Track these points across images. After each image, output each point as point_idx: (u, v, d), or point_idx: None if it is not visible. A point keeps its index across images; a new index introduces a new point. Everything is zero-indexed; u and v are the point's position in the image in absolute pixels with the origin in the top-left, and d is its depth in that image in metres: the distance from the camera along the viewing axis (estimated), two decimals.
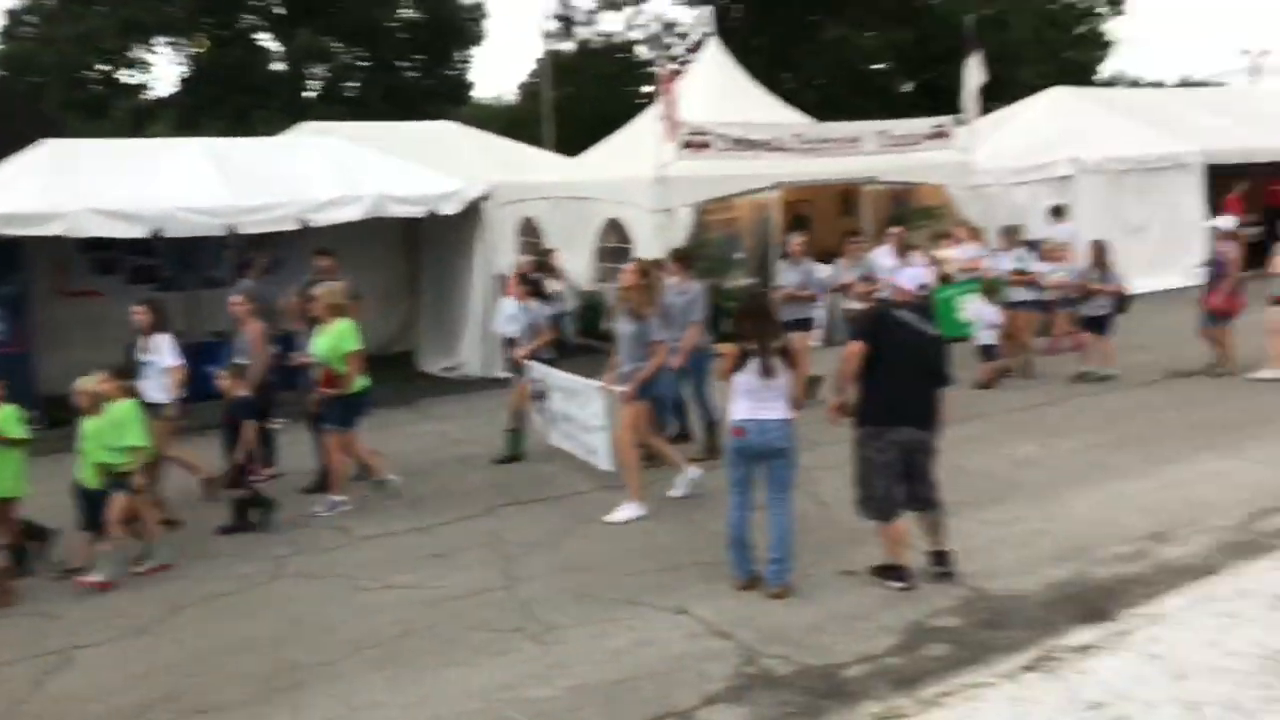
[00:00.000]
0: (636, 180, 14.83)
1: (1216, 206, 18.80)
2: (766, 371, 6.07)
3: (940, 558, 6.24)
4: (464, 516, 8.06)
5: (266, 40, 39.33)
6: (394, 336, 14.99)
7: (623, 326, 8.09)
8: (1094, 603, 5.79)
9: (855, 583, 6.26)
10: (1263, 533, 6.65)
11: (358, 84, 38.67)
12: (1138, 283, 14.10)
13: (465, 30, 38.53)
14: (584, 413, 8.66)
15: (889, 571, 6.19)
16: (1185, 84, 45.50)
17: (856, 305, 10.87)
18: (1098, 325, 11.46)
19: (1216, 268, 11.24)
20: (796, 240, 11.21)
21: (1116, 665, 4.81)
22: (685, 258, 9.47)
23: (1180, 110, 21.06)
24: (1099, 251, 11.59)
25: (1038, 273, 11.89)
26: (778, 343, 6.19)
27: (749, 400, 6.13)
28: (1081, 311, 11.72)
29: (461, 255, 13.41)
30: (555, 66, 37.32)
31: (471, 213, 13.06)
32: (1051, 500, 7.54)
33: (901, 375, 6.04)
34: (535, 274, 13.26)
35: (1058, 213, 15.17)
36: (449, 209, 12.84)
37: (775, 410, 6.12)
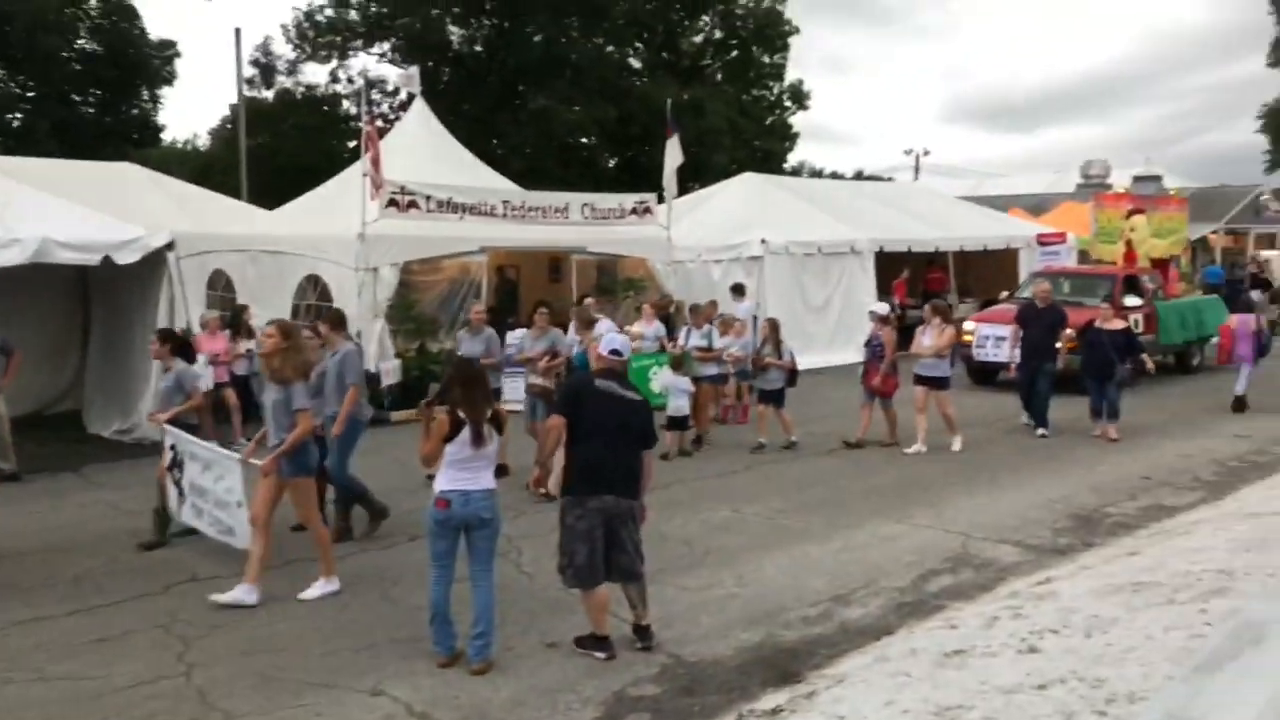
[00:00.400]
0: (339, 237, 14.35)
1: (886, 289, 20.76)
2: (478, 440, 5.94)
3: (641, 632, 6.27)
4: (135, 596, 7.28)
5: None
6: (62, 394, 13.56)
7: (267, 394, 7.41)
8: (783, 665, 6.03)
9: (558, 654, 6.19)
10: (930, 593, 7.22)
11: (20, 115, 35.08)
12: (819, 358, 15.25)
13: (152, 68, 36.01)
14: (218, 486, 7.75)
15: (591, 642, 6.16)
16: (859, 177, 50.26)
17: (538, 380, 10.63)
18: (774, 398, 12.10)
19: (874, 349, 12.02)
20: (476, 308, 11.09)
21: None
22: (336, 319, 8.90)
23: (855, 201, 23.22)
24: (773, 329, 12.34)
25: (719, 348, 12.63)
26: (489, 410, 6.09)
27: (456, 470, 5.96)
28: (757, 385, 12.42)
29: (140, 308, 12.36)
30: (253, 114, 35.65)
31: (154, 263, 12.08)
32: (744, 564, 7.85)
33: (602, 443, 6.02)
34: (222, 329, 12.48)
35: (738, 291, 16.13)
36: (127, 258, 11.80)
37: (482, 481, 6.01)
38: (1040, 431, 12.52)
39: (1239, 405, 14.21)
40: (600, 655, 6.09)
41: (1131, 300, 16.48)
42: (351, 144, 36.09)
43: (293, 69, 40.57)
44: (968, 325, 17.08)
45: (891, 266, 21.32)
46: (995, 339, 15.72)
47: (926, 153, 52.65)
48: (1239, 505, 9.27)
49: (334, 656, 6.20)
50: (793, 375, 12.17)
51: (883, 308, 12.62)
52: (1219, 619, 5.63)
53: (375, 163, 13.80)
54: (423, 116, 19.07)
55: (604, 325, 12.28)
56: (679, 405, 11.66)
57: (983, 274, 23.15)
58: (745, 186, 22.43)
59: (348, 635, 6.52)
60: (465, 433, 5.94)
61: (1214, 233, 33.53)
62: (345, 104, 40.86)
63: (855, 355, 16.66)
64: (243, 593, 7.00)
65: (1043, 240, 23.41)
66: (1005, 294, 18.87)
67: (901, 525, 8.90)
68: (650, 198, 17.60)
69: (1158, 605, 6.16)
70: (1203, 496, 9.83)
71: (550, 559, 7.84)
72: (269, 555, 7.20)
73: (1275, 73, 57.72)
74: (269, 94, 40.12)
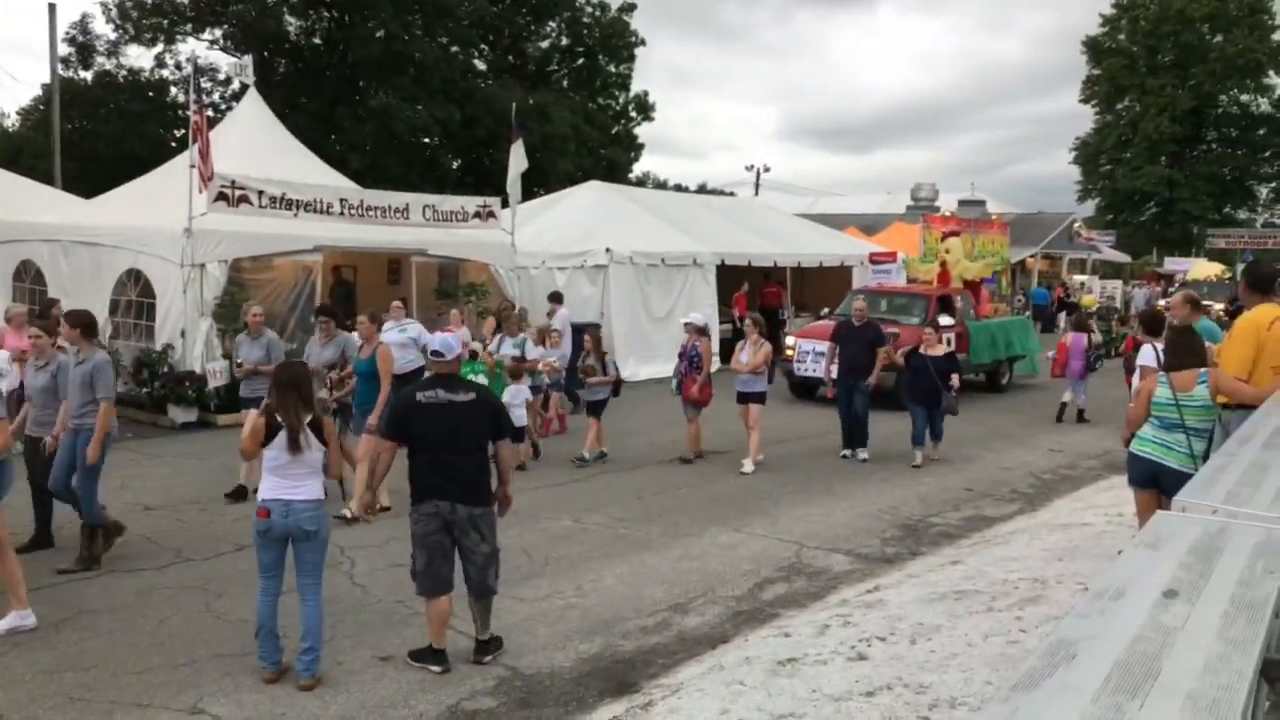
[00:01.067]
0: (163, 230, 13.63)
1: (726, 301, 21.16)
2: (293, 446, 5.69)
3: (481, 647, 6.14)
4: None
5: None
6: None
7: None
8: (620, 675, 6.02)
9: (392, 668, 6.00)
10: (765, 601, 7.35)
11: None
12: (662, 367, 15.33)
13: None
14: None
15: (427, 655, 6.00)
16: (703, 190, 51.20)
17: (323, 394, 9.37)
18: (595, 409, 11.93)
19: (691, 360, 11.86)
20: (254, 311, 10.12)
21: None
22: (87, 322, 7.89)
23: (698, 214, 23.60)
24: (595, 342, 12.23)
25: (534, 359, 12.28)
26: (308, 415, 5.82)
27: (276, 478, 5.72)
28: (584, 396, 12.26)
29: None
30: (69, 96, 33.51)
31: None
32: (583, 574, 7.81)
33: (431, 455, 5.89)
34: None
35: (555, 299, 16.04)
36: None
37: (305, 490, 5.75)
38: (862, 456, 12.34)
39: (1062, 414, 15.64)
40: (435, 669, 5.93)
41: (945, 320, 16.88)
42: (179, 133, 34.47)
43: (114, 50, 38.35)
44: (789, 341, 17.37)
45: (732, 279, 21.75)
46: (815, 354, 15.99)
47: (767, 169, 54.19)
48: (1052, 516, 9.82)
49: (150, 674, 5.84)
50: (616, 387, 12.10)
51: (699, 318, 12.43)
52: (1034, 626, 5.93)
53: (204, 154, 13.16)
54: (256, 108, 18.31)
55: (415, 328, 12.04)
56: (518, 416, 11.34)
57: (819, 289, 23.87)
58: (590, 195, 22.50)
59: (165, 651, 6.15)
60: (281, 437, 5.69)
61: (1032, 256, 35.70)
62: (174, 91, 38.96)
63: None
64: (15, 619, 6.37)
65: (875, 259, 24.34)
66: (826, 310, 19.32)
67: (739, 534, 9.04)
68: (494, 202, 17.43)
69: (978, 613, 6.44)
70: (1020, 507, 10.36)
71: (385, 570, 7.68)
72: (17, 573, 6.48)
73: (1086, 109, 62.09)
74: (87, 75, 37.85)
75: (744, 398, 11.74)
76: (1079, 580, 6.88)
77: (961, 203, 36.01)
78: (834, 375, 12.80)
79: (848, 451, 12.47)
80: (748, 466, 11.53)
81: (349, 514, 8.92)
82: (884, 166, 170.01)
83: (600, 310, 18.37)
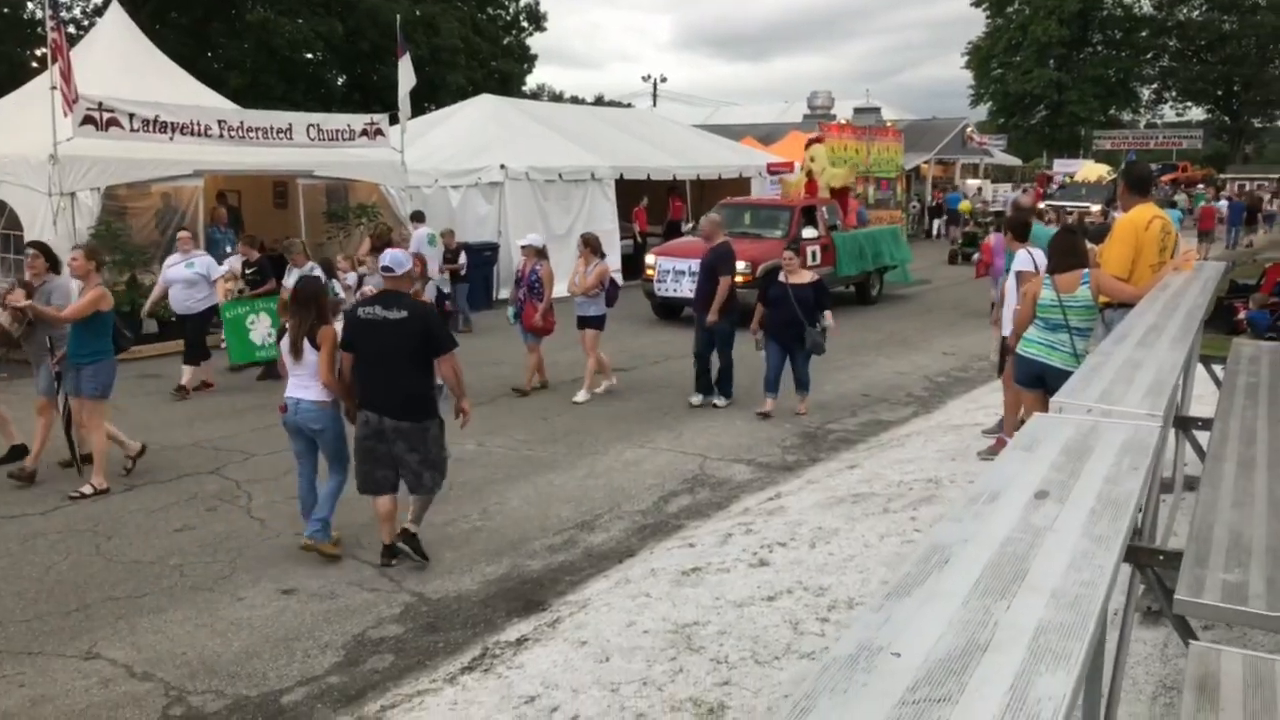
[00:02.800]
0: (26, 157, 12.90)
1: (626, 216, 21.01)
2: (294, 350, 6.35)
3: (404, 534, 6.44)
4: None
5: None
6: None
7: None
8: (528, 595, 6.06)
9: (295, 600, 5.94)
10: (670, 514, 7.45)
11: None
12: (561, 286, 15.10)
13: None
14: None
15: (384, 552, 6.47)
16: (599, 102, 50.44)
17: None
18: None
19: (532, 286, 10.99)
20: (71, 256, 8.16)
21: (548, 655, 5.03)
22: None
23: (595, 127, 23.21)
24: (422, 265, 11.40)
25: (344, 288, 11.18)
26: (307, 325, 6.35)
27: (292, 378, 6.48)
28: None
29: None
30: None
31: None
32: (489, 497, 7.80)
33: (365, 368, 6.26)
34: None
35: (417, 218, 15.59)
36: None
37: (309, 392, 6.38)
38: (720, 403, 10.64)
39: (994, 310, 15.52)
40: (393, 563, 6.40)
41: (809, 233, 16.39)
42: (40, 52, 32.44)
43: None
44: (648, 259, 16.60)
45: (633, 194, 21.58)
46: (675, 273, 15.49)
47: (664, 79, 54.14)
48: (946, 417, 10.12)
49: (40, 621, 5.67)
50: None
51: (536, 239, 11.32)
52: (927, 525, 6.12)
53: (65, 74, 12.41)
54: (121, 24, 17.27)
55: (202, 261, 11.32)
56: None
57: (718, 202, 23.89)
58: (482, 109, 21.96)
59: (54, 598, 5.97)
60: (285, 341, 6.47)
61: (926, 163, 36.17)
62: (30, 6, 36.59)
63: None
64: None
65: (772, 169, 24.41)
66: (690, 225, 18.74)
67: (644, 450, 9.11)
68: (382, 119, 16.88)
69: (874, 515, 6.63)
70: (915, 411, 10.65)
71: (283, 503, 7.55)
72: None
73: (978, 12, 62.69)
74: None
75: (581, 322, 10.96)
76: (971, 479, 7.12)
77: (857, 110, 36.12)
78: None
79: (697, 397, 10.65)
80: (581, 396, 10.83)
81: (90, 489, 7.80)
82: (781, 75, 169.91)
83: (498, 229, 18.09)
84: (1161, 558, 3.15)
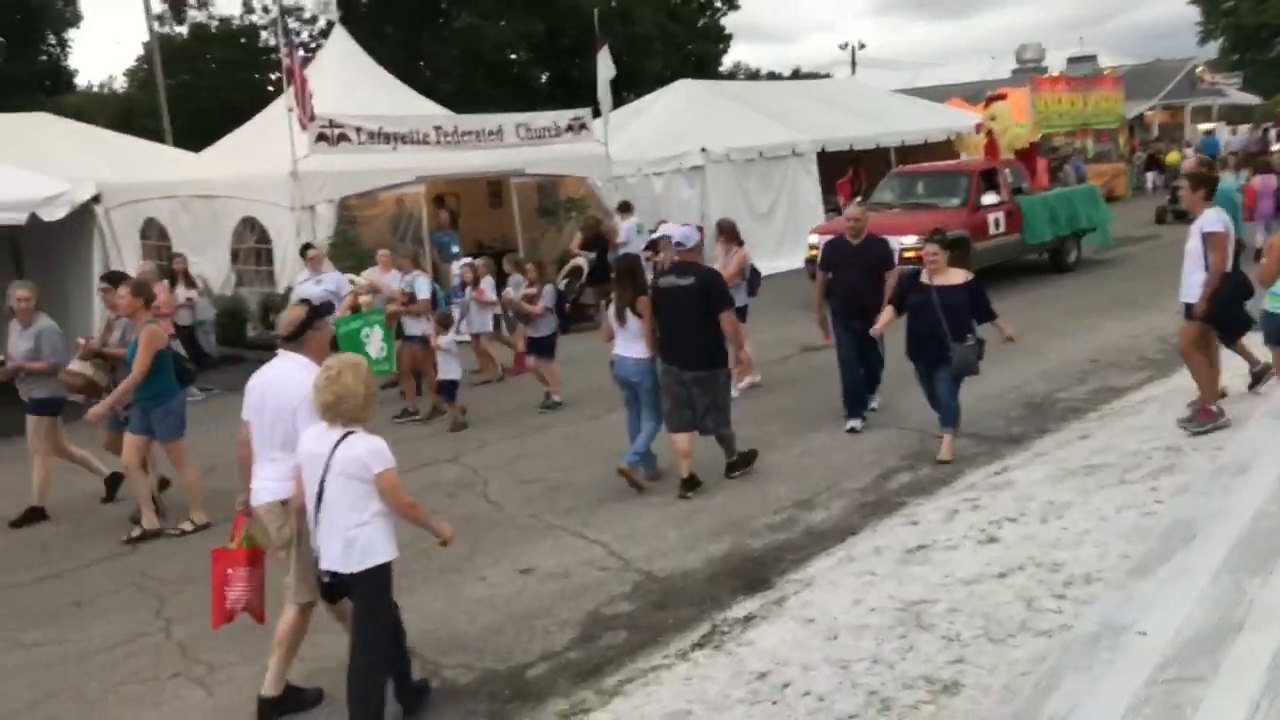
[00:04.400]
0: (271, 176, 14.03)
1: (830, 189, 20.75)
2: (620, 318, 7.66)
3: (728, 466, 7.83)
4: (105, 557, 7.25)
5: None
6: None
7: None
8: (752, 573, 6.15)
9: (533, 579, 6.27)
10: (891, 491, 7.36)
11: None
12: (766, 264, 14.98)
13: (55, 10, 34.38)
14: None
15: (681, 485, 7.55)
16: (796, 76, 49.82)
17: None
18: (540, 347, 10.65)
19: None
20: (20, 294, 8.04)
21: (776, 632, 5.12)
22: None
23: (793, 102, 23.03)
24: (517, 265, 11.41)
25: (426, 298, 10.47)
26: (630, 296, 7.60)
27: (618, 340, 7.79)
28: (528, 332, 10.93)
29: (75, 266, 12.06)
30: (168, 52, 34.35)
31: (82, 217, 11.76)
32: (706, 475, 7.85)
33: (669, 326, 7.52)
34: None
35: (625, 209, 15.61)
36: (54, 213, 11.48)
37: (632, 351, 7.70)
38: (875, 404, 9.26)
39: (1259, 256, 14.27)
40: (689, 495, 7.48)
41: (989, 199, 14.93)
42: (275, 76, 35.04)
43: (203, 2, 39.11)
44: (811, 238, 14.91)
45: (836, 166, 21.28)
46: None
47: (862, 46, 52.48)
48: (1184, 381, 9.45)
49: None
50: (564, 321, 10.92)
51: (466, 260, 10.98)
52: (1169, 496, 5.81)
53: (300, 97, 13.42)
54: (344, 43, 18.51)
55: (332, 278, 11.51)
56: (448, 369, 10.06)
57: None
58: (681, 94, 22.14)
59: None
60: (612, 311, 7.73)
61: (1150, 110, 33.81)
62: (264, 35, 39.55)
63: (800, 261, 16.43)
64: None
65: (981, 128, 23.44)
66: (859, 198, 16.14)
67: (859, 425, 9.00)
68: (585, 113, 17.32)
69: (1110, 486, 6.35)
70: (1150, 375, 10.03)
71: (516, 487, 7.95)
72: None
73: None
74: (182, 30, 38.69)
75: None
76: (1216, 447, 6.69)
77: (1070, 60, 34.17)
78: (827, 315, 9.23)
79: (856, 422, 8.90)
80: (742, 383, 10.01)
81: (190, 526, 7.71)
82: (987, 30, 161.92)
83: (700, 212, 18.24)
84: None
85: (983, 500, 6.59)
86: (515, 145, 16.13)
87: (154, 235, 16.09)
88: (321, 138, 13.68)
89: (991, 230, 14.66)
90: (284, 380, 4.86)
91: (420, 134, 14.92)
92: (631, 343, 7.65)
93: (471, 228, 17.78)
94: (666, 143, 19.21)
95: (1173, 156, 26.75)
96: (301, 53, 19.03)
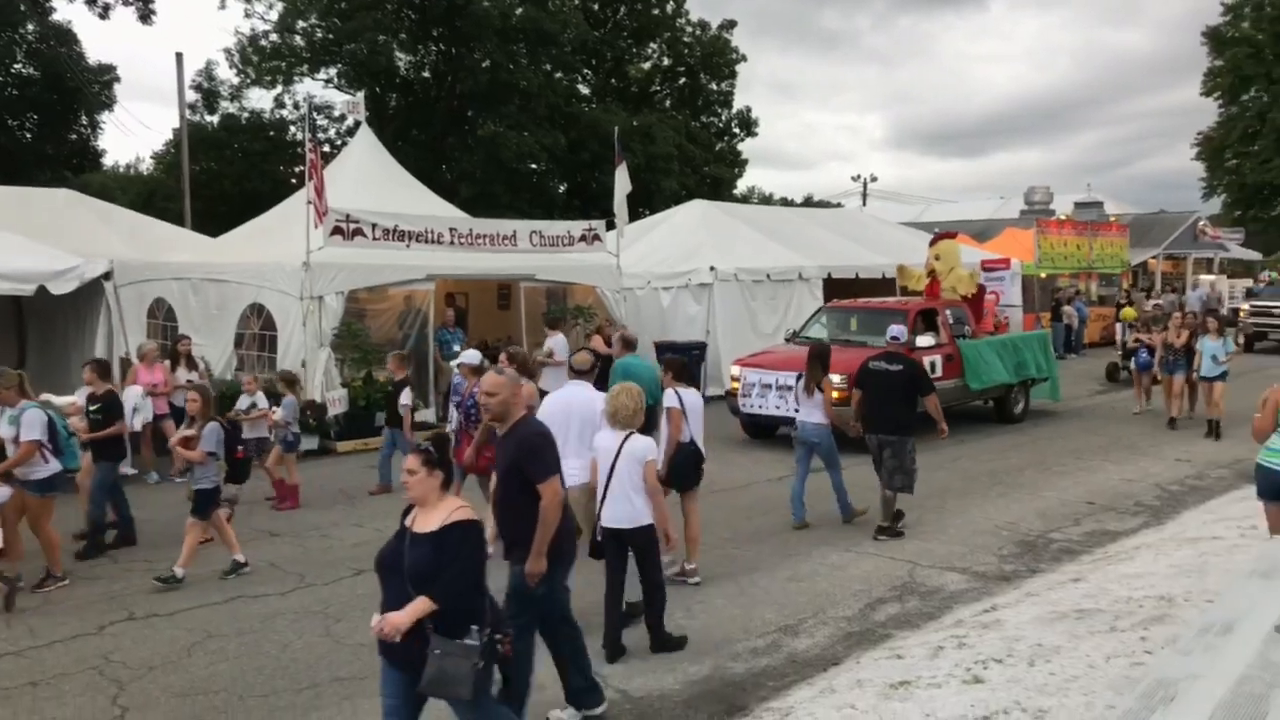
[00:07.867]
0: (283, 265, 14.19)
1: None
2: (809, 390, 9.63)
3: (879, 529, 9.41)
4: (69, 636, 7.09)
5: None
6: None
7: None
8: (730, 698, 5.99)
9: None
10: (877, 622, 7.23)
11: None
12: None
13: (91, 93, 35.31)
14: None
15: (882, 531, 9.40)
16: (809, 203, 50.87)
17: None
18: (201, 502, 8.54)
19: (469, 411, 8.87)
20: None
21: None
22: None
23: (803, 228, 23.43)
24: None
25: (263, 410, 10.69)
26: (819, 376, 9.56)
27: (803, 408, 9.75)
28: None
29: (77, 337, 12.13)
30: (197, 139, 35.17)
31: (91, 291, 11.87)
32: (692, 595, 7.79)
33: (870, 401, 9.65)
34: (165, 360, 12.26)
35: (551, 324, 15.08)
36: (62, 287, 11.60)
37: (812, 417, 9.66)
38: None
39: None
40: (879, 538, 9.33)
41: (924, 340, 13.86)
42: (298, 169, 35.79)
43: (236, 94, 40.22)
44: (733, 370, 14.43)
45: (841, 293, 21.49)
46: (761, 386, 13.62)
47: (874, 178, 54.00)
48: (1180, 529, 9.42)
49: (274, 698, 6.06)
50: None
51: (473, 357, 9.61)
52: (1159, 646, 5.69)
53: (319, 190, 13.66)
54: (369, 143, 18.96)
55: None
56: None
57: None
58: (694, 213, 22.53)
59: (289, 675, 6.38)
60: (801, 381, 9.73)
61: (1154, 258, 34.32)
62: (292, 130, 40.53)
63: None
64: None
65: (987, 266, 23.79)
66: (790, 332, 15.92)
67: (849, 554, 8.91)
68: (599, 225, 17.61)
69: (1100, 633, 6.22)
70: (1145, 521, 9.96)
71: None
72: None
73: (1208, 102, 59.56)
74: (213, 119, 39.69)
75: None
76: (1208, 598, 6.58)
77: (1078, 204, 34.82)
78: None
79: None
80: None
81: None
82: (997, 169, 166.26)
83: (706, 328, 18.38)
84: None
85: (970, 638, 6.45)
86: (528, 251, 16.35)
87: (161, 315, 16.20)
88: (337, 231, 13.87)
89: (930, 374, 13.79)
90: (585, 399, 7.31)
91: (435, 233, 15.13)
92: (814, 411, 9.53)
93: (479, 327, 17.91)
94: (677, 259, 19.47)
95: (1128, 312, 23.53)
96: (327, 148, 19.50)
